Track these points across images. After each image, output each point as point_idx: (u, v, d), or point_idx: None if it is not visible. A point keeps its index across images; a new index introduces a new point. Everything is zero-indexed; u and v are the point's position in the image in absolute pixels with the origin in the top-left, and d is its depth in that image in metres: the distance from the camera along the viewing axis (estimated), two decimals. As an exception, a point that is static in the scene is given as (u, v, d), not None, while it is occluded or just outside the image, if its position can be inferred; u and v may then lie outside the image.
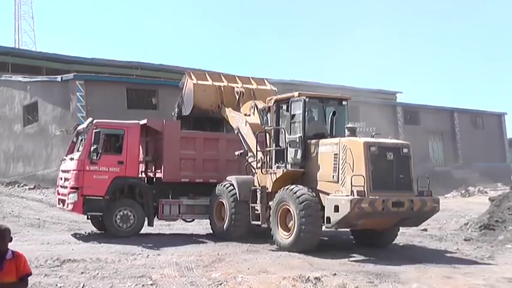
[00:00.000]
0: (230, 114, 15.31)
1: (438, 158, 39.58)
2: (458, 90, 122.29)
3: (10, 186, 26.77)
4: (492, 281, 9.17)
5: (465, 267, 10.39)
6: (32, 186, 26.04)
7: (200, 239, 14.56)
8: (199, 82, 16.23)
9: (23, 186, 26.71)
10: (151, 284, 8.92)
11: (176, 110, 16.93)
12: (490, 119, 44.27)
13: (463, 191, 31.17)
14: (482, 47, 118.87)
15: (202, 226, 16.63)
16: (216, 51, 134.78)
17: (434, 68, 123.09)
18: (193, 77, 16.39)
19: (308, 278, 9.00)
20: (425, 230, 16.03)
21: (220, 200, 14.60)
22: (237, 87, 16.05)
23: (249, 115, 14.68)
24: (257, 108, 14.19)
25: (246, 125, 14.33)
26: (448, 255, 12.20)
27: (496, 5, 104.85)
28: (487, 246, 13.23)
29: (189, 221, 16.68)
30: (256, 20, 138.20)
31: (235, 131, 14.80)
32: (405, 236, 14.67)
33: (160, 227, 16.66)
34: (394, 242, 13.27)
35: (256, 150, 13.77)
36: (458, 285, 8.84)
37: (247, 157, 14.34)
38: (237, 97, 15.77)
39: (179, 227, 17.29)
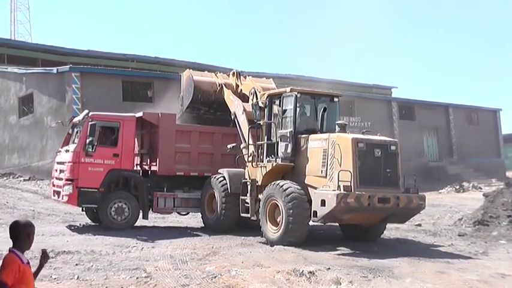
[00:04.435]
0: (229, 97, 15.28)
1: (433, 153, 39.54)
2: (454, 85, 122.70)
3: (5, 178, 26.74)
4: (485, 277, 9.21)
5: (459, 263, 10.45)
6: (27, 178, 26.00)
7: (194, 232, 14.57)
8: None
9: (18, 177, 26.68)
10: (145, 277, 8.92)
11: (181, 108, 16.70)
12: (485, 114, 44.21)
13: (458, 187, 31.19)
14: (478, 43, 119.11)
15: (196, 219, 16.62)
16: (211, 44, 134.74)
17: (430, 64, 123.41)
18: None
19: (302, 272, 9.01)
20: (420, 225, 16.09)
21: (212, 192, 14.66)
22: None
23: (248, 100, 14.61)
24: (256, 96, 14.13)
25: (242, 113, 14.31)
26: (442, 250, 12.25)
27: (492, 1, 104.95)
28: (481, 242, 13.29)
29: (184, 214, 16.69)
30: (252, 14, 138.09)
31: (232, 116, 14.78)
32: (399, 230, 14.73)
33: (154, 219, 16.66)
34: (388, 237, 13.29)
35: (248, 144, 13.79)
36: (451, 281, 8.87)
37: (241, 147, 14.33)
38: (234, 78, 15.85)
39: (173, 220, 17.30)
